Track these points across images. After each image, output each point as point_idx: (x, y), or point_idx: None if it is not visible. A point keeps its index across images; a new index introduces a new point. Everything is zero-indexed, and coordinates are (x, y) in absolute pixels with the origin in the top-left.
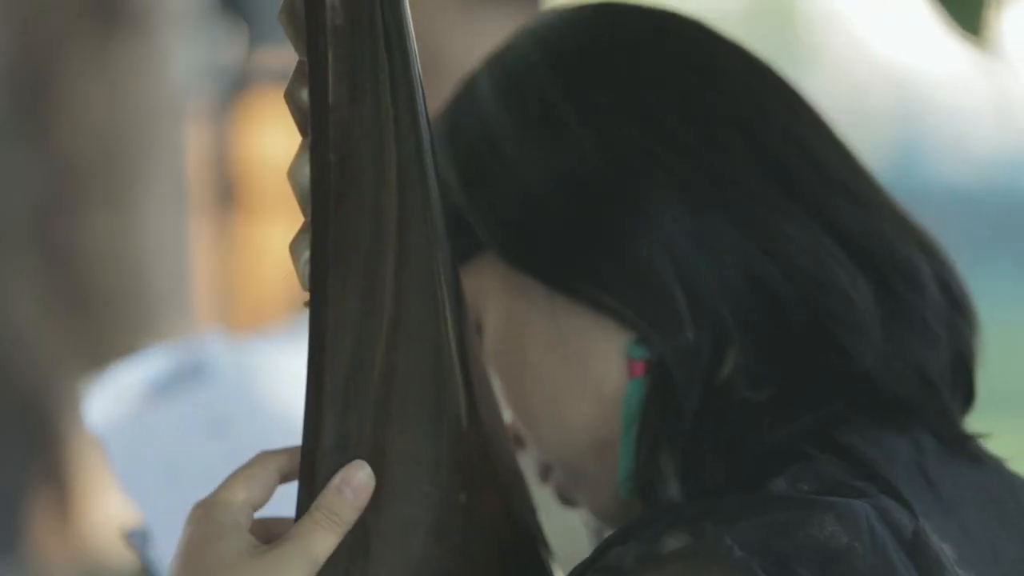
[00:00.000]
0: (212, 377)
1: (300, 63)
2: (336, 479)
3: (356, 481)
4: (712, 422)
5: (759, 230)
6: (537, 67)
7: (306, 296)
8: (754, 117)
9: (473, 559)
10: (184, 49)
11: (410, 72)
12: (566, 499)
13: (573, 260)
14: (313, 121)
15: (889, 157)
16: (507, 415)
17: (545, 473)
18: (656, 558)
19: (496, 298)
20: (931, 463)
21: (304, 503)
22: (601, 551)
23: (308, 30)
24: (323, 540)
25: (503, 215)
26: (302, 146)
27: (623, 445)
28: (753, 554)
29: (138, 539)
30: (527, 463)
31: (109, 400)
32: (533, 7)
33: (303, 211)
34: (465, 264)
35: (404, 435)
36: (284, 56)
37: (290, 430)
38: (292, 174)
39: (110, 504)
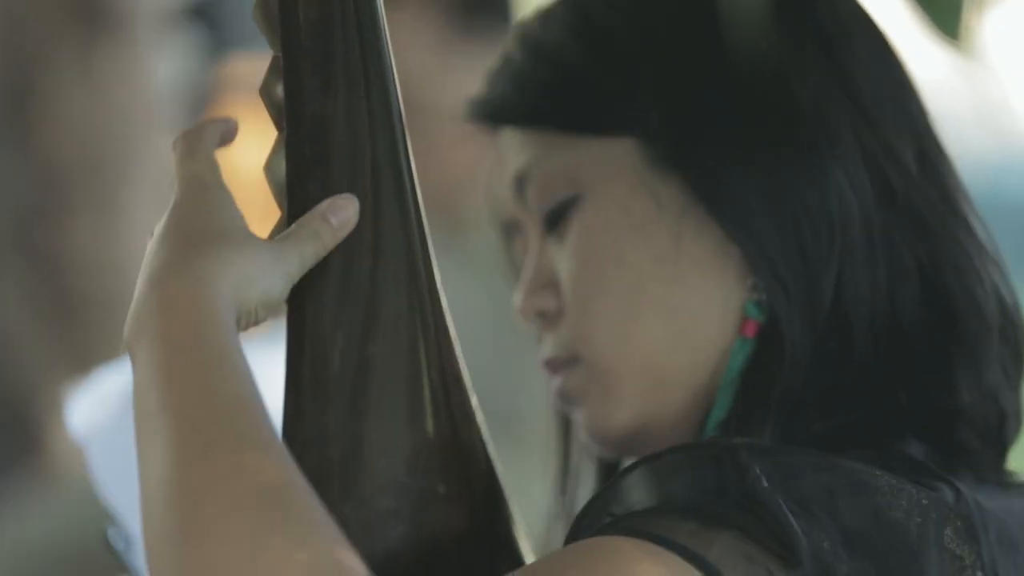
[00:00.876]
0: None
1: (275, 58)
2: (323, 205)
3: (343, 213)
4: (802, 394)
5: (926, 229)
6: None
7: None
8: (916, 114)
9: (451, 549)
10: (162, 56)
11: (384, 65)
12: (569, 399)
13: (735, 182)
14: (288, 115)
15: None
16: (563, 290)
17: (564, 363)
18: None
19: (618, 185)
20: (974, 490)
21: None
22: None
23: (282, 25)
24: (311, 252)
25: (679, 110)
26: (278, 141)
27: (721, 396)
28: (779, 490)
29: (119, 542)
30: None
31: (91, 405)
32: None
33: (279, 205)
34: (595, 136)
35: (382, 427)
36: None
37: None
38: (268, 168)
39: (93, 509)
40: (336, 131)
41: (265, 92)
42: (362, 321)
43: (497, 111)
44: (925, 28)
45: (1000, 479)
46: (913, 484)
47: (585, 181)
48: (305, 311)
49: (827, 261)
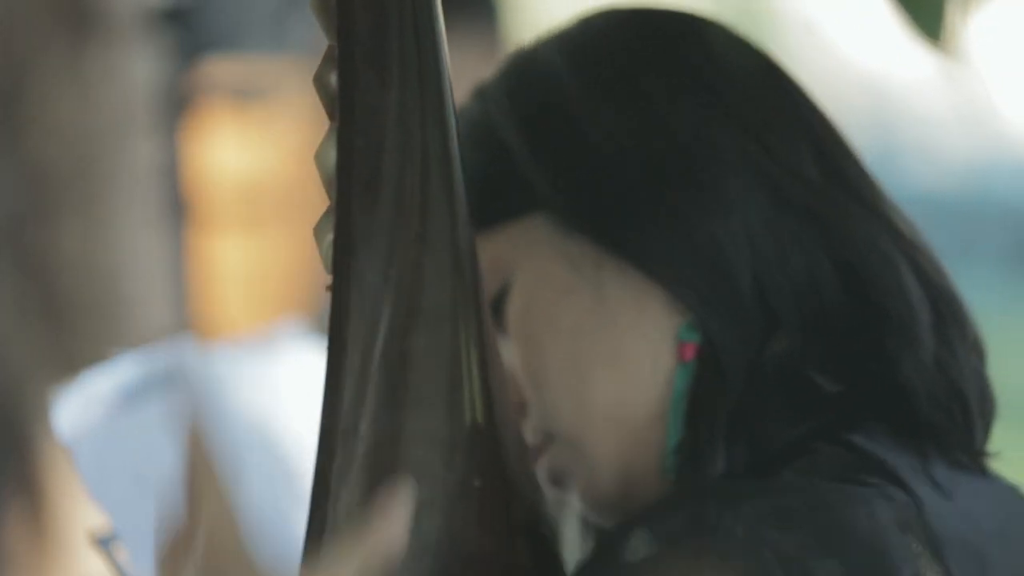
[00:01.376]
0: (182, 385)
1: (330, 48)
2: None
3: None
4: (750, 408)
5: (837, 230)
6: (618, 44)
7: (328, 279)
8: (814, 125)
9: (486, 543)
10: (148, 59)
11: (439, 59)
12: (557, 479)
13: (641, 226)
14: (341, 105)
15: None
16: (518, 381)
17: (543, 446)
18: (664, 542)
19: (535, 260)
20: (937, 471)
21: (320, 483)
22: (608, 539)
23: (339, 15)
24: None
25: (574, 176)
26: (330, 130)
27: (670, 424)
28: (757, 535)
29: (108, 546)
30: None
31: (77, 408)
32: (492, 50)
33: (328, 194)
34: (507, 223)
35: (420, 418)
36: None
37: (260, 437)
38: (319, 158)
39: (86, 512)
40: (388, 123)
41: (319, 81)
42: (405, 312)
43: None
44: (908, 29)
45: (973, 460)
46: (856, 486)
47: (509, 267)
48: (348, 300)
49: (742, 272)
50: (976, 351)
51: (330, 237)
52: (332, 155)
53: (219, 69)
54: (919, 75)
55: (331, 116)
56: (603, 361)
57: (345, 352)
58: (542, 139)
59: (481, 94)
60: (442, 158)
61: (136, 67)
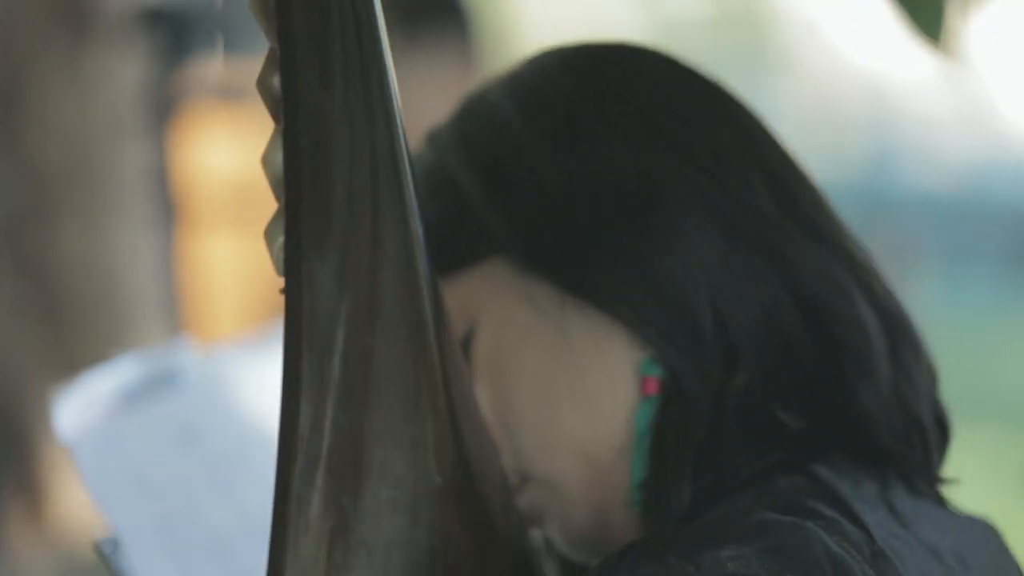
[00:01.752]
0: (182, 385)
1: (271, 50)
2: None
3: None
4: (715, 441)
5: (788, 263)
6: (562, 85)
7: (281, 282)
8: (766, 154)
9: (452, 541)
10: (139, 61)
11: (381, 57)
12: (533, 517)
13: (597, 267)
14: (285, 107)
15: (861, 164)
16: (490, 423)
17: (519, 487)
18: None
19: (496, 305)
20: (896, 498)
21: (282, 486)
22: None
23: (278, 16)
24: None
25: (527, 220)
26: (275, 133)
27: (635, 459)
28: None
29: (108, 548)
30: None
31: (79, 408)
32: (466, 59)
33: (276, 197)
34: (466, 269)
35: (380, 418)
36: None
37: (260, 438)
38: (266, 160)
39: (86, 513)
40: (333, 123)
41: (262, 84)
42: (360, 314)
43: None
44: (908, 31)
45: (931, 487)
46: (807, 521)
47: (473, 311)
48: (302, 304)
49: (700, 305)
50: (929, 375)
51: (281, 240)
52: (279, 158)
53: (208, 70)
54: (919, 75)
55: (276, 119)
56: (569, 399)
57: (301, 355)
58: (495, 184)
59: (434, 140)
60: (390, 156)
61: (129, 68)
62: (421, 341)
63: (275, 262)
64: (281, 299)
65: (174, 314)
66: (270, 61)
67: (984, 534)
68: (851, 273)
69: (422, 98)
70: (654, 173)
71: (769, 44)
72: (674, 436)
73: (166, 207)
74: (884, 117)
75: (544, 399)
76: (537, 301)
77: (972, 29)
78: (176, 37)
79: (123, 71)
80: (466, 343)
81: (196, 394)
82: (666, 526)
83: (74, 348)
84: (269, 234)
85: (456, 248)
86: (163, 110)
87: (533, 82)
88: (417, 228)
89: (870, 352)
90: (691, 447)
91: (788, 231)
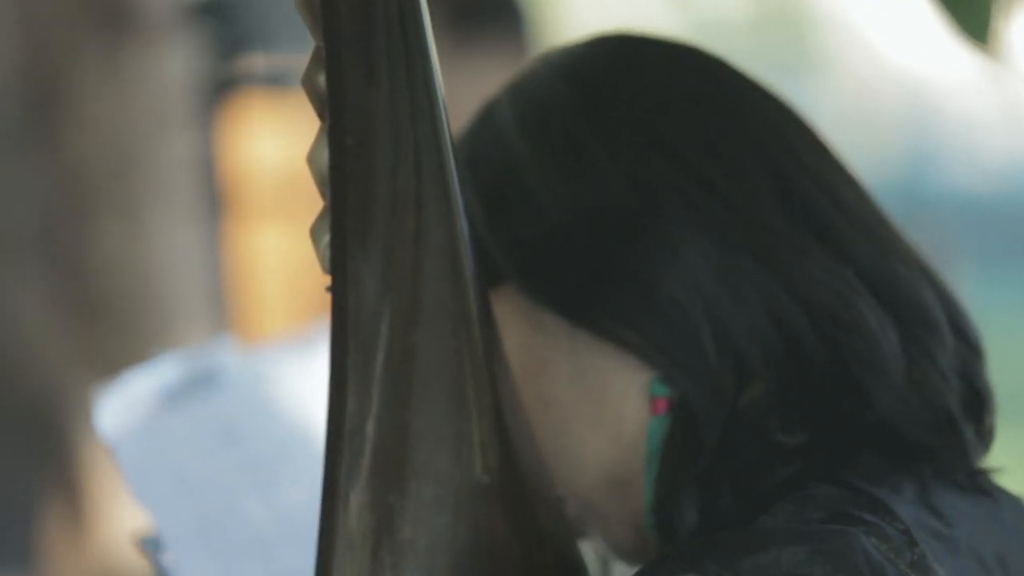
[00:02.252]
0: (224, 385)
1: (317, 48)
2: None
3: None
4: (731, 458)
5: (786, 271)
6: (560, 98)
7: (327, 279)
8: (779, 157)
9: (498, 540)
10: (184, 55)
11: (426, 55)
12: (578, 531)
13: (597, 295)
14: (330, 106)
15: (900, 164)
16: None
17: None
18: None
19: (513, 332)
20: (937, 497)
21: (328, 485)
22: None
23: (324, 14)
24: None
25: (525, 247)
26: (320, 131)
27: (646, 479)
28: None
29: (151, 547)
30: None
31: (120, 408)
32: (520, 50)
33: (322, 195)
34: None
35: (425, 415)
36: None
37: (302, 437)
38: (311, 159)
39: (125, 512)
40: (378, 120)
41: (307, 82)
42: (405, 311)
43: None
44: (953, 31)
45: (972, 479)
46: (849, 528)
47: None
48: (348, 301)
49: (699, 320)
50: (965, 352)
51: (327, 238)
52: (324, 156)
53: (254, 63)
54: (959, 75)
55: (321, 117)
56: (586, 424)
57: (347, 353)
58: (497, 207)
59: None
60: (435, 155)
61: (172, 63)
62: (466, 338)
63: (321, 260)
64: (327, 296)
65: (219, 310)
66: (315, 59)
67: None
68: (862, 271)
69: (475, 98)
70: (646, 190)
71: (809, 44)
72: (684, 455)
73: (210, 202)
74: (924, 117)
75: (565, 425)
76: (547, 328)
77: (1015, 29)
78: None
79: (165, 66)
80: None
81: (237, 394)
82: (692, 541)
83: (114, 347)
84: (315, 232)
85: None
86: (208, 104)
87: (535, 93)
88: (462, 226)
89: (879, 354)
90: (698, 465)
91: (788, 237)
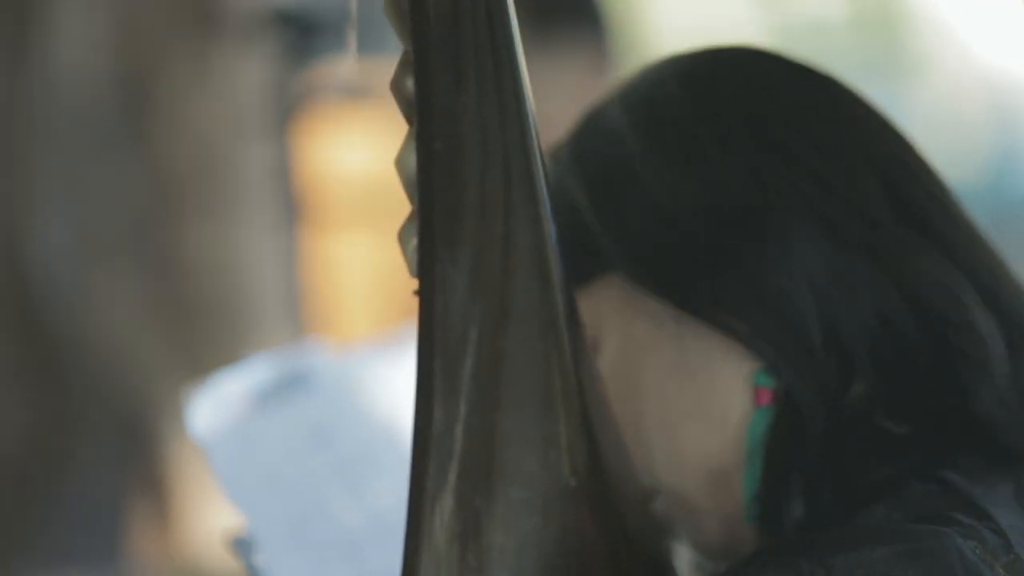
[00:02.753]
0: (314, 386)
1: (405, 53)
2: None
3: None
4: (834, 451)
5: (898, 269)
6: (675, 99)
7: (415, 283)
8: (888, 165)
9: (585, 542)
10: (268, 61)
11: (514, 58)
12: (666, 528)
13: (709, 284)
14: (418, 110)
15: (992, 166)
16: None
17: (653, 495)
18: None
19: (617, 321)
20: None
21: (415, 487)
22: None
23: (412, 18)
24: None
25: (638, 237)
26: (408, 135)
27: (748, 471)
28: None
29: (242, 546)
30: None
31: (212, 409)
32: (600, 51)
33: (410, 199)
34: (586, 286)
35: (513, 418)
36: (346, 69)
37: (391, 439)
38: (399, 163)
39: (212, 512)
40: (467, 124)
41: (395, 87)
42: (493, 315)
43: None
44: None
45: None
46: (944, 529)
47: (597, 326)
48: (435, 305)
49: (809, 316)
50: None
51: (414, 242)
52: (412, 160)
53: (335, 69)
54: None
55: (409, 121)
56: (688, 413)
57: (435, 356)
58: (608, 200)
59: (556, 157)
60: (523, 158)
61: (258, 68)
62: (554, 342)
63: (409, 264)
64: (413, 300)
65: (301, 314)
66: (404, 64)
67: None
68: (968, 274)
69: (556, 100)
70: (762, 185)
71: (901, 44)
72: (786, 447)
73: (293, 207)
74: (1017, 119)
75: (665, 414)
76: (654, 317)
77: None
78: (304, 37)
79: (251, 71)
80: (594, 352)
81: (328, 395)
82: (783, 539)
83: (205, 347)
84: (403, 236)
85: (576, 264)
86: (290, 110)
87: (645, 93)
88: (550, 229)
89: (986, 354)
90: (804, 459)
91: (900, 235)
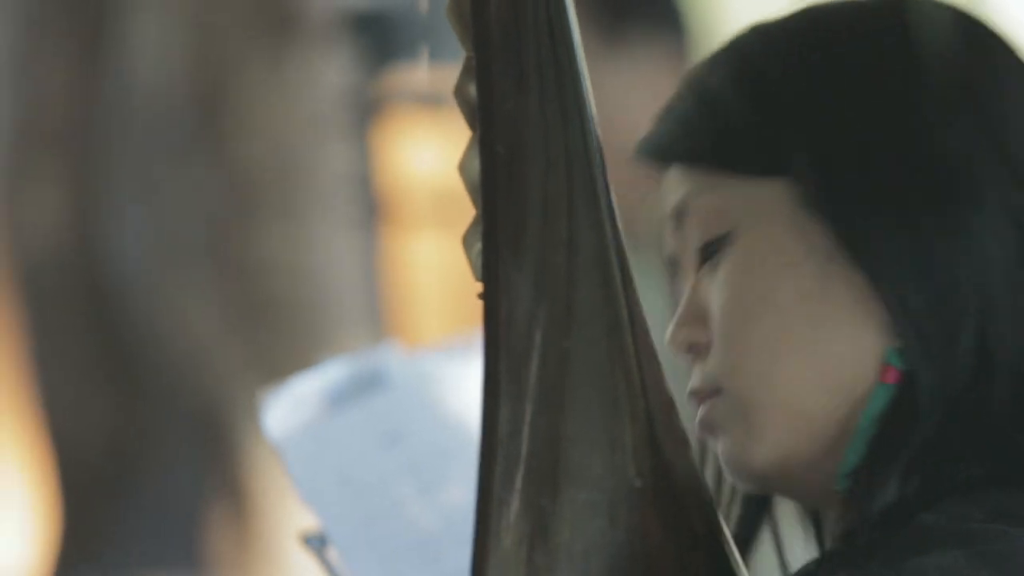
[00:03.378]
0: (388, 387)
1: (467, 59)
2: None
3: None
4: (939, 446)
5: None
6: (892, 33)
7: (479, 287)
8: None
9: (651, 544)
10: (343, 65)
11: (575, 62)
12: (710, 431)
13: (883, 235)
14: (481, 115)
15: None
16: (710, 321)
17: (707, 395)
18: None
19: (769, 225)
20: None
21: (482, 489)
22: None
23: (474, 24)
24: None
25: (828, 156)
26: (471, 140)
27: (854, 441)
28: None
29: (316, 544)
30: (684, 372)
31: (287, 410)
32: (679, 48)
33: (474, 204)
34: (748, 177)
35: (578, 420)
36: (421, 75)
37: (464, 440)
38: (462, 167)
39: (288, 515)
40: (529, 129)
41: (458, 92)
42: (558, 317)
43: (661, 149)
44: None
45: None
46: (1018, 532)
47: (738, 219)
48: (500, 308)
49: (967, 315)
50: None
51: (478, 246)
52: (475, 165)
53: (411, 74)
54: None
55: (472, 126)
56: (806, 349)
57: (500, 359)
58: (814, 106)
59: (765, 33)
60: (585, 161)
61: (333, 73)
62: (618, 344)
63: (473, 268)
64: (480, 303)
65: (377, 316)
66: (466, 70)
67: None
68: None
69: (630, 98)
70: (969, 161)
71: None
72: (898, 431)
73: (369, 210)
74: None
75: (781, 336)
76: (810, 240)
77: None
78: (380, 42)
79: (327, 75)
80: (718, 242)
81: (401, 396)
82: (865, 513)
83: (282, 350)
84: (467, 240)
85: (747, 153)
86: (367, 114)
87: (858, 23)
88: (613, 231)
89: None
90: (910, 445)
91: None
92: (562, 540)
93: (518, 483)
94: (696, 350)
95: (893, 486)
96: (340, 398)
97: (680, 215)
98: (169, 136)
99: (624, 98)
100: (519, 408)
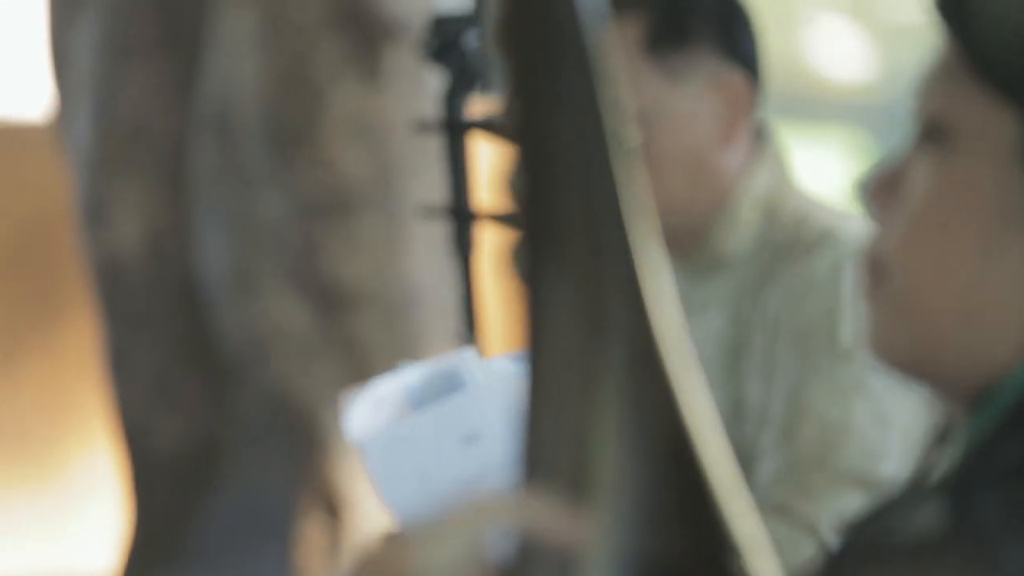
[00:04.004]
0: (466, 389)
1: (511, 83)
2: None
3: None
4: None
5: None
6: None
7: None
8: None
9: (685, 557)
10: (427, 92)
11: (612, 87)
12: (870, 300)
13: None
14: (521, 137)
15: None
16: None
17: (878, 274)
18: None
19: (992, 151)
20: None
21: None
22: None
23: (512, 46)
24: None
25: None
26: (514, 161)
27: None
28: None
29: None
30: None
31: (368, 411)
32: (742, 77)
33: (519, 220)
34: (998, 99)
35: (610, 432)
36: (490, 105)
37: None
38: (510, 185)
39: (379, 518)
40: (568, 151)
41: (502, 115)
42: (592, 333)
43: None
44: None
45: None
46: None
47: (952, 126)
48: (539, 321)
49: None
50: None
51: (522, 262)
52: (518, 184)
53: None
54: None
55: (515, 147)
56: (982, 267)
57: (541, 372)
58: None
59: None
60: (620, 177)
61: (417, 98)
62: (649, 361)
63: (518, 281)
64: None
65: (455, 318)
66: (509, 92)
67: None
68: None
69: (683, 121)
70: None
71: None
72: None
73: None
74: None
75: (954, 259)
76: (1019, 186)
77: None
78: (462, 70)
79: (410, 100)
80: (944, 133)
81: (479, 398)
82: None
83: (366, 353)
84: (511, 257)
85: (1003, 75)
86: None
87: None
88: (648, 243)
89: None
90: None
91: None
92: (603, 540)
93: (555, 488)
94: (879, 208)
95: (1015, 459)
96: (420, 399)
97: (945, 80)
98: (260, 151)
99: (675, 123)
100: (554, 419)
